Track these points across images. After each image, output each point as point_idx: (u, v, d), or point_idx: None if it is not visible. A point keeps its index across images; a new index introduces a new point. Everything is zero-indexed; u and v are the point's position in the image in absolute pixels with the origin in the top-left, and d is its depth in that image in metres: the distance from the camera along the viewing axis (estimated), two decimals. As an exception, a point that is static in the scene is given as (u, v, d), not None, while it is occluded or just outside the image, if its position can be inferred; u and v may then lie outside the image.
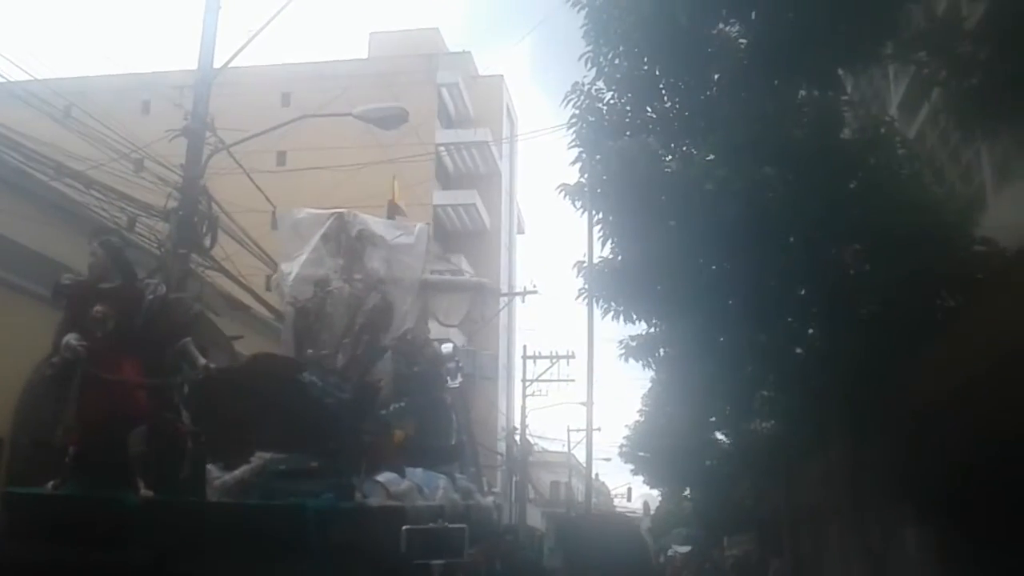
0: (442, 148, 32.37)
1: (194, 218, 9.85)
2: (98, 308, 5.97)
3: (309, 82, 29.39)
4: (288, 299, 8.98)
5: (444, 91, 32.86)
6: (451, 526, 6.98)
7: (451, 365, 9.94)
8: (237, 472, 6.13)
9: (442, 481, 8.12)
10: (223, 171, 11.36)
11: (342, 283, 8.78)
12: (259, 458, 6.22)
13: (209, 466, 6.19)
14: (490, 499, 10.12)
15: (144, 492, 5.74)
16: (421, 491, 7.51)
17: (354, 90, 27.43)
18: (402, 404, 8.31)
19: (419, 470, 7.81)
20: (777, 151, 7.96)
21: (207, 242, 10.16)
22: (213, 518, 5.73)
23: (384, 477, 7.02)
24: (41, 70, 14.42)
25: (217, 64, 10.50)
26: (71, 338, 5.86)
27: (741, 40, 8.62)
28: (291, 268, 9.11)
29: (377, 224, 9.53)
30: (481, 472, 10.54)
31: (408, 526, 6.73)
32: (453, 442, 9.28)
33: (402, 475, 7.35)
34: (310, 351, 8.03)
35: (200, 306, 7.40)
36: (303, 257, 9.12)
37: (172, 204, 9.94)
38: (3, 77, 12.40)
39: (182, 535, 5.39)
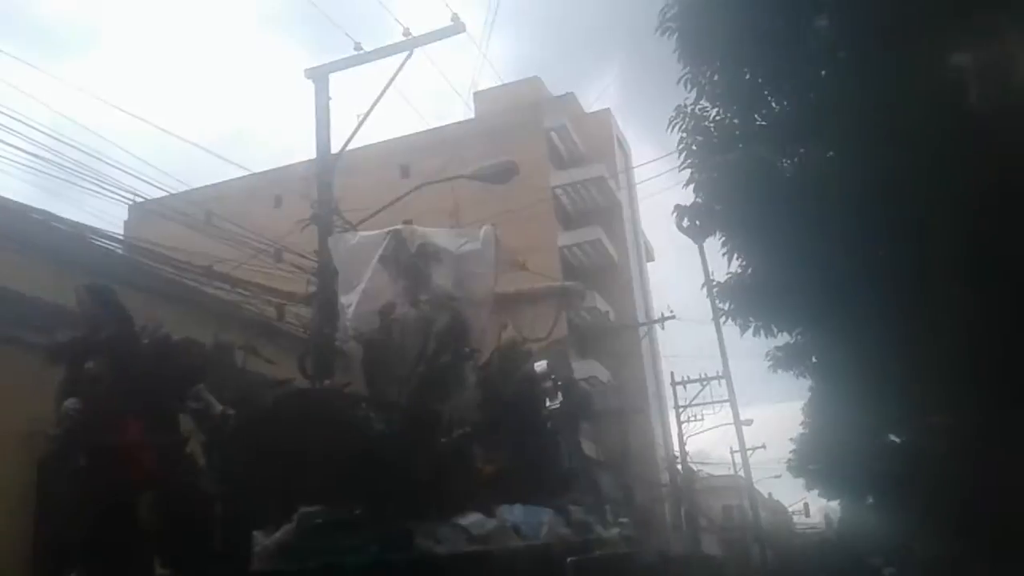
0: (559, 190, 32.64)
1: (332, 299, 10.30)
2: (90, 364, 5.33)
3: (424, 151, 30.36)
4: (352, 334, 8.21)
5: (553, 135, 33.24)
6: (618, 553, 6.25)
7: (547, 384, 9.04)
8: (277, 534, 5.25)
9: (546, 516, 7.18)
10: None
11: (408, 307, 7.95)
12: (298, 514, 5.34)
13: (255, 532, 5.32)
14: (615, 531, 8.85)
15: (160, 572, 5.17)
16: (518, 530, 6.59)
17: (466, 150, 28.22)
18: (469, 431, 7.13)
19: (517, 507, 6.87)
20: (898, 138, 7.64)
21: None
22: None
23: (468, 519, 6.12)
24: (178, 185, 15.44)
25: (334, 150, 11.07)
26: (68, 403, 5.31)
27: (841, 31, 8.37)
28: (351, 299, 8.25)
29: (439, 235, 8.62)
30: (607, 501, 9.53)
31: (572, 559, 6.03)
32: (562, 471, 8.36)
33: (491, 514, 6.40)
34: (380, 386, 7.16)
35: (221, 346, 6.64)
36: (362, 285, 8.23)
37: (312, 289, 10.45)
38: (146, 197, 13.34)
39: None
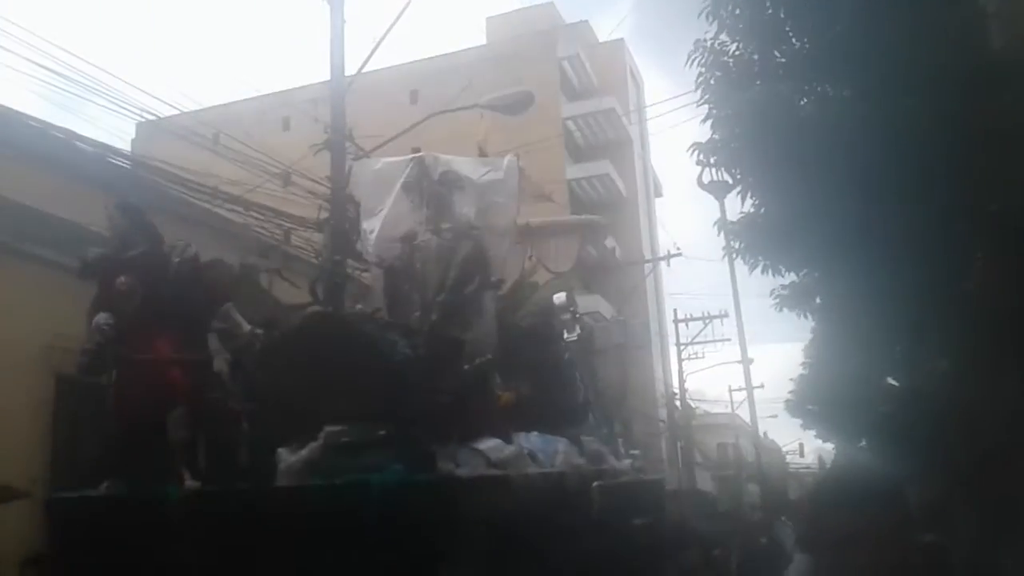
0: (570, 122, 32.32)
1: (345, 226, 10.34)
2: (121, 280, 5.38)
3: (434, 76, 29.99)
4: (373, 259, 8.19)
5: (566, 64, 32.74)
6: (645, 479, 6.12)
7: (566, 316, 9.01)
8: (303, 452, 5.29)
9: (561, 445, 7.21)
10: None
11: (430, 235, 7.88)
12: (324, 433, 5.37)
13: (280, 449, 5.39)
14: (627, 462, 8.93)
15: (189, 483, 5.23)
16: (534, 457, 6.63)
17: (477, 77, 27.76)
18: (492, 358, 7.07)
19: (534, 435, 6.92)
20: (919, 80, 7.56)
21: (359, 247, 10.63)
22: (262, 505, 5.11)
23: (486, 444, 6.14)
24: (188, 104, 15.40)
25: (348, 73, 10.97)
26: (100, 318, 5.37)
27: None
28: (373, 225, 8.23)
29: (462, 164, 8.53)
30: (617, 434, 9.65)
31: (598, 483, 6.09)
32: (577, 402, 8.33)
33: (509, 441, 6.44)
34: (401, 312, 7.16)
35: (248, 268, 6.76)
36: (385, 211, 8.18)
37: (323, 215, 10.48)
38: (156, 115, 13.31)
39: (230, 527, 4.91)
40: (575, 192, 31.67)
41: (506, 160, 8.52)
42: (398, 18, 10.94)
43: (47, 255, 8.84)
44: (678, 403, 31.61)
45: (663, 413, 31.43)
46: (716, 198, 8.57)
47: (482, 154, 9.19)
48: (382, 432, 5.24)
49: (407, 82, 29.87)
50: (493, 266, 7.83)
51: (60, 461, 8.96)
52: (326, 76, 11.02)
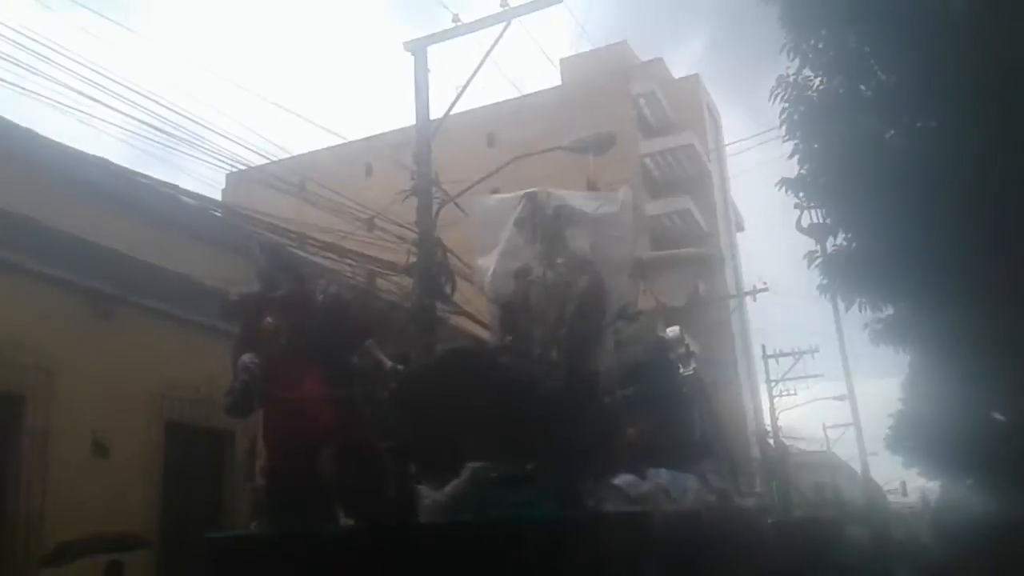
0: (647, 158, 32.31)
1: (433, 269, 10.55)
2: (268, 320, 5.42)
3: (511, 119, 30.48)
4: (490, 296, 8.17)
5: (641, 101, 32.81)
6: (811, 516, 5.84)
7: (680, 350, 8.86)
8: (448, 488, 5.25)
9: (691, 482, 7.11)
10: (444, 221, 11.94)
11: (545, 270, 7.82)
12: (469, 469, 5.30)
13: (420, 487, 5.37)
14: (751, 501, 8.88)
15: (344, 521, 5.24)
16: (668, 494, 6.50)
17: (554, 118, 28.18)
18: (629, 392, 7.13)
19: (663, 471, 6.75)
20: (1009, 110, 7.39)
21: (448, 289, 10.83)
22: (421, 542, 5.01)
23: (622, 480, 6.05)
24: (276, 152, 15.95)
25: (431, 122, 11.25)
26: (246, 358, 5.40)
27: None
28: (488, 263, 8.26)
29: (575, 198, 8.52)
30: (736, 471, 9.50)
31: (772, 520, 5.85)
32: (696, 437, 8.15)
33: (643, 476, 6.31)
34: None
35: (384, 305, 6.79)
36: (499, 248, 8.18)
37: (412, 259, 10.72)
38: (245, 164, 13.83)
39: (391, 566, 4.84)
40: (655, 229, 31.54)
41: (620, 193, 8.51)
42: (480, 64, 11.17)
43: (157, 306, 9.28)
44: (771, 441, 30.84)
45: (756, 451, 30.72)
46: (817, 242, 8.42)
47: (591, 188, 9.15)
48: (528, 468, 5.16)
49: (484, 125, 30.36)
50: (612, 300, 7.71)
51: (171, 502, 9.32)
52: (405, 122, 11.31)
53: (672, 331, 8.99)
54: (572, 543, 4.70)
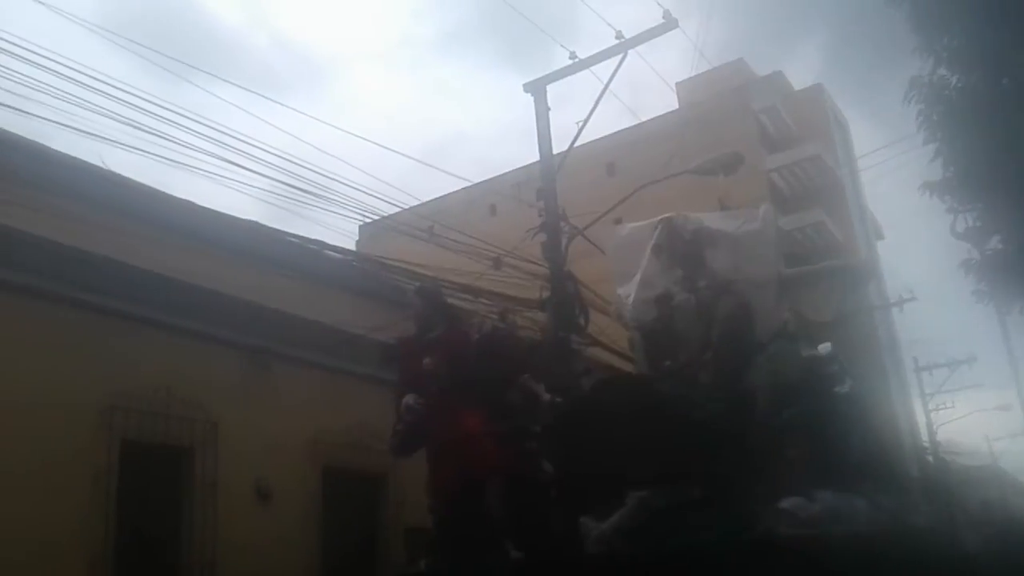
0: (774, 173, 31.48)
1: (566, 303, 10.63)
2: (427, 361, 5.54)
3: (629, 147, 30.39)
4: (632, 325, 8.16)
5: (763, 117, 32.08)
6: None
7: (834, 368, 8.53)
8: (613, 518, 5.21)
9: (861, 503, 6.85)
10: (572, 255, 11.94)
11: (687, 294, 7.82)
12: (634, 498, 5.26)
13: (584, 519, 5.36)
14: (923, 519, 8.38)
15: (514, 554, 5.24)
16: (838, 515, 6.30)
17: (674, 142, 27.93)
18: (790, 413, 6.92)
19: (828, 492, 6.57)
20: None
21: (581, 321, 10.88)
22: (594, 573, 5.03)
23: (790, 503, 5.94)
24: (406, 200, 16.53)
25: (553, 158, 11.40)
26: (409, 399, 5.55)
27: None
28: (628, 291, 8.28)
29: (713, 219, 8.45)
30: (902, 491, 8.88)
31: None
32: (857, 457, 7.73)
33: (810, 498, 6.16)
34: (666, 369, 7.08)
35: (532, 340, 6.77)
36: (638, 276, 8.22)
37: (545, 294, 10.84)
38: (377, 215, 14.34)
39: None
40: (789, 245, 30.61)
41: (762, 210, 8.46)
42: (600, 98, 11.25)
43: (308, 357, 9.73)
44: (930, 458, 29.12)
45: (914, 469, 29.07)
46: (975, 247, 7.98)
47: (725, 207, 9.01)
48: (692, 495, 5.13)
49: (603, 155, 30.36)
50: (758, 320, 7.63)
51: (330, 546, 9.65)
52: (524, 161, 11.47)
53: (824, 347, 8.68)
54: (757, 567, 4.58)
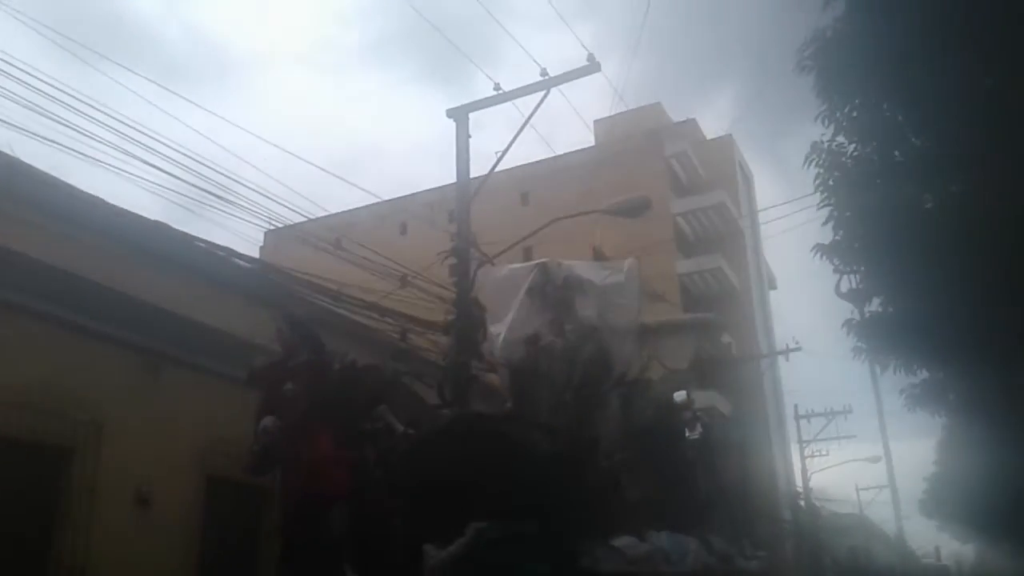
0: (679, 217, 32.51)
1: (470, 328, 10.71)
2: (288, 387, 5.79)
3: (544, 178, 30.92)
4: (501, 362, 8.54)
5: (674, 161, 33.17)
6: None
7: (687, 415, 9.18)
8: (452, 547, 5.48)
9: (692, 544, 7.34)
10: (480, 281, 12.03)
11: (554, 337, 8.22)
12: (472, 529, 5.55)
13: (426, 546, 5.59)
14: (755, 563, 8.95)
15: None
16: (667, 556, 6.77)
17: (588, 178, 28.53)
18: (628, 455, 7.47)
19: (664, 533, 7.05)
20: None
21: (483, 348, 10.98)
22: None
23: (621, 541, 6.32)
24: (314, 210, 16.39)
25: (470, 184, 11.54)
26: (266, 421, 5.77)
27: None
28: (500, 329, 8.65)
29: (584, 268, 8.98)
30: (744, 534, 9.64)
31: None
32: (701, 501, 8.47)
33: (642, 538, 6.61)
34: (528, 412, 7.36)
35: (401, 372, 7.11)
36: (511, 316, 8.60)
37: (449, 318, 10.91)
38: (282, 223, 14.13)
39: None
40: (687, 287, 31.59)
41: (626, 263, 8.97)
42: (520, 131, 11.49)
43: (202, 363, 9.51)
44: (803, 503, 30.29)
45: (787, 514, 30.16)
46: (855, 307, 8.61)
47: (599, 256, 9.54)
48: (527, 529, 5.43)
49: (518, 184, 30.79)
50: (616, 365, 8.07)
51: (209, 556, 9.41)
52: (438, 181, 11.57)
53: (679, 395, 9.24)
54: None
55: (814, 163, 9.01)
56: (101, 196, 9.02)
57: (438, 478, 5.82)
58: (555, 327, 8.39)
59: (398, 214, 31.28)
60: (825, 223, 8.60)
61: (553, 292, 8.62)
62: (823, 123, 8.86)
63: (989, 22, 7.65)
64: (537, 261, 9.00)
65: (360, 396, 6.11)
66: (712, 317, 13.02)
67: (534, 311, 8.62)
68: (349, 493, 5.69)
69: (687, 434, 9.02)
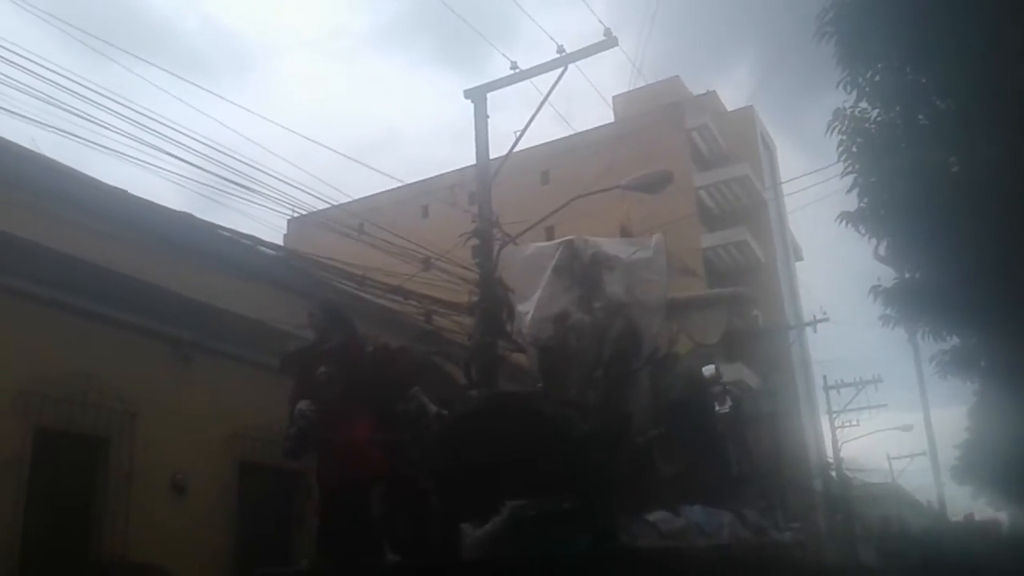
0: (702, 191, 32.27)
1: (495, 308, 10.73)
2: (322, 370, 5.79)
3: (564, 156, 30.75)
4: (529, 340, 8.47)
5: (695, 135, 32.86)
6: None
7: (716, 389, 9.15)
8: (488, 525, 5.49)
9: (726, 517, 7.30)
10: (503, 261, 12.05)
11: (582, 315, 8.14)
12: (508, 507, 5.53)
13: (463, 525, 5.60)
14: (788, 535, 8.94)
15: (391, 557, 5.52)
16: (702, 530, 6.73)
17: (608, 154, 28.37)
18: (662, 431, 7.41)
19: (698, 507, 7.03)
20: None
21: (508, 328, 11.00)
22: None
23: (656, 516, 6.30)
24: (337, 197, 16.46)
25: (489, 165, 11.53)
26: (302, 405, 5.79)
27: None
28: (527, 308, 8.58)
29: (610, 245, 8.90)
30: (777, 506, 9.59)
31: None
32: (733, 475, 8.46)
33: (677, 513, 6.60)
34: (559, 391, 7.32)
35: (430, 353, 7.20)
36: (537, 294, 8.52)
37: (474, 299, 10.93)
38: (306, 210, 14.20)
39: None
40: (712, 261, 31.41)
41: (654, 239, 8.80)
42: (538, 109, 11.43)
43: (232, 351, 9.63)
44: (834, 473, 30.18)
45: (818, 484, 30.08)
46: (895, 270, 8.50)
47: (625, 233, 9.48)
48: (563, 506, 5.43)
49: (538, 163, 30.64)
50: (646, 341, 8.01)
51: (244, 541, 9.56)
52: (458, 163, 11.56)
53: (708, 370, 9.15)
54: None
55: (837, 130, 8.89)
56: (125, 189, 9.12)
57: (473, 458, 5.83)
58: (583, 304, 8.30)
59: (419, 197, 31.30)
60: (850, 190, 8.49)
61: (580, 269, 8.50)
62: (845, 89, 8.73)
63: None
64: (563, 239, 8.86)
65: (393, 378, 6.13)
66: (744, 291, 12.84)
67: (561, 289, 8.53)
68: (385, 474, 5.75)
69: (717, 408, 8.98)
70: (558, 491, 5.51)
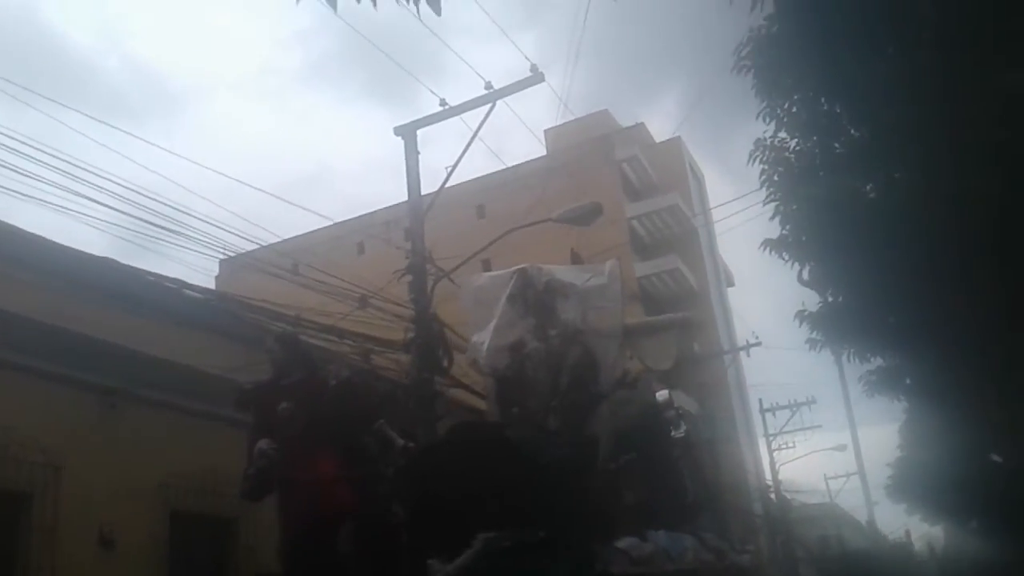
0: (634, 220, 32.78)
1: (430, 345, 10.72)
2: (284, 406, 5.65)
3: (499, 189, 30.95)
4: (486, 371, 8.49)
5: (625, 166, 33.47)
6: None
7: (670, 413, 9.25)
8: (459, 559, 5.35)
9: (688, 541, 7.40)
10: (438, 296, 12.03)
11: (538, 343, 8.21)
12: (480, 539, 5.42)
13: (431, 561, 5.47)
14: (746, 557, 9.13)
15: None
16: (668, 555, 6.79)
17: (541, 187, 28.62)
18: (630, 457, 7.47)
19: (662, 532, 7.09)
20: (983, 155, 7.67)
21: (445, 363, 10.99)
22: None
23: (625, 543, 6.31)
24: (268, 237, 16.15)
25: (422, 201, 11.56)
26: (263, 444, 5.64)
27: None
28: (483, 338, 8.55)
29: (564, 272, 8.94)
30: (729, 529, 9.80)
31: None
32: (689, 499, 8.53)
33: (644, 538, 6.62)
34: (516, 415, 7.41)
35: (389, 386, 7.06)
36: (493, 324, 8.49)
37: (410, 335, 10.89)
38: (236, 251, 13.95)
39: None
40: (646, 289, 31.82)
41: (608, 265, 8.88)
42: (468, 145, 11.54)
43: (159, 397, 9.38)
44: (773, 495, 30.61)
45: (758, 507, 30.45)
46: (819, 294, 8.73)
47: (577, 261, 9.46)
48: (535, 536, 5.36)
49: (472, 197, 30.80)
50: (603, 368, 8.09)
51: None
52: (393, 199, 11.56)
53: (662, 395, 9.24)
54: None
55: (759, 159, 9.17)
56: (43, 235, 8.86)
57: (441, 489, 5.75)
58: (538, 332, 8.38)
59: (354, 234, 31.18)
60: (772, 218, 8.76)
61: (534, 297, 8.53)
62: (764, 120, 9.02)
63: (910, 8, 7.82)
64: (517, 267, 8.88)
65: (357, 412, 6.03)
66: (691, 316, 13.08)
67: (516, 318, 8.55)
68: (354, 511, 5.63)
69: (672, 433, 9.07)
70: (531, 520, 5.44)
